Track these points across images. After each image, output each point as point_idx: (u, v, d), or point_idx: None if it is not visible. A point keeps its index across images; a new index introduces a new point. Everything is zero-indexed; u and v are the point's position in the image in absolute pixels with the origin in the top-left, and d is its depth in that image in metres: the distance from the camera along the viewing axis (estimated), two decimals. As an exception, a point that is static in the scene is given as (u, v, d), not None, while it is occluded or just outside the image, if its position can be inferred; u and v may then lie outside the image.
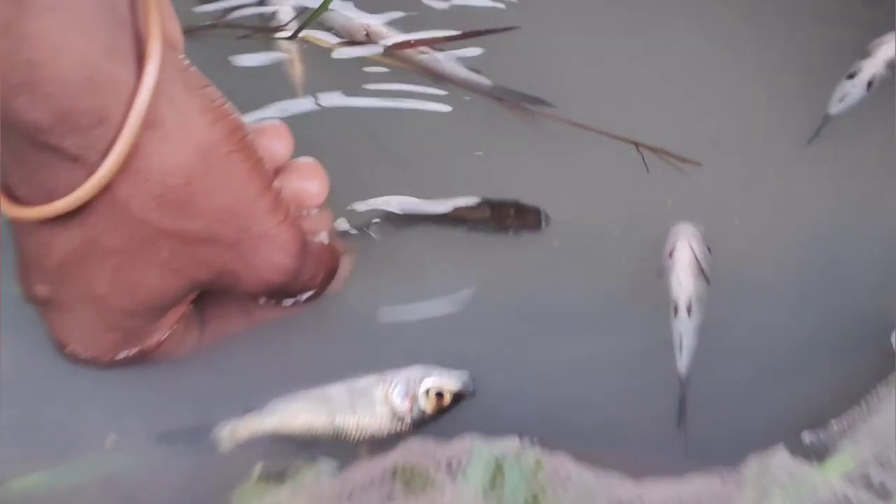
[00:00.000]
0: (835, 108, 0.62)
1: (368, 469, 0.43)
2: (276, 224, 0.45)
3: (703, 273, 0.53)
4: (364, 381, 0.50)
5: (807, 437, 0.46)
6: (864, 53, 0.64)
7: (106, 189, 0.41)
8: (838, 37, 0.65)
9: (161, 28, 0.40)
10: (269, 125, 0.49)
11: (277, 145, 0.49)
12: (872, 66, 0.63)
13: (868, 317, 0.53)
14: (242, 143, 0.44)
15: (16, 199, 0.43)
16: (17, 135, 0.39)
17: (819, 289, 0.56)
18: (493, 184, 0.58)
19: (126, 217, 0.42)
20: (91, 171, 0.40)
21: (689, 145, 0.59)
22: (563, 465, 0.41)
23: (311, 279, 0.49)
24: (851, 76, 0.63)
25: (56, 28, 0.37)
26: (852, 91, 0.62)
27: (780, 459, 0.41)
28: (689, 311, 0.52)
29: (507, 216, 0.57)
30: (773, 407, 0.51)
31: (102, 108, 0.39)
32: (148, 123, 0.40)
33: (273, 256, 0.46)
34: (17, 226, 0.44)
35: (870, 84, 0.62)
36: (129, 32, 0.40)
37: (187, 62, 0.43)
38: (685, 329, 0.51)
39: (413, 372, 0.49)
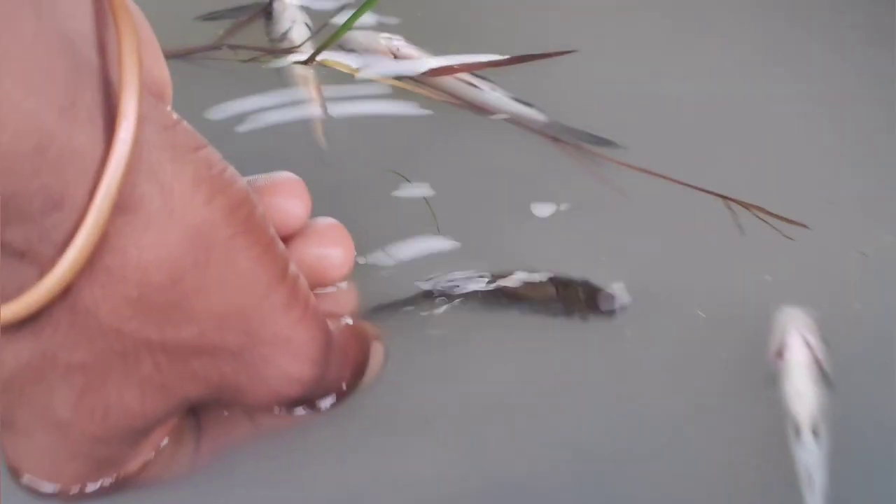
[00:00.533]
0: None
1: None
2: (292, 323, 0.36)
3: (826, 377, 0.43)
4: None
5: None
6: None
7: (66, 292, 0.32)
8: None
9: (140, 73, 0.31)
10: (282, 180, 0.40)
11: (292, 206, 0.40)
12: None
13: None
14: (249, 221, 0.34)
15: None
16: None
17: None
18: (544, 250, 0.49)
19: (93, 327, 0.33)
20: (45, 270, 0.31)
21: (794, 204, 0.49)
22: None
23: (335, 381, 0.40)
24: None
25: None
26: None
27: None
28: (815, 432, 0.41)
29: (576, 299, 0.47)
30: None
31: (58, 188, 0.30)
32: (121, 206, 0.31)
33: (288, 365, 0.37)
34: None
35: None
36: (95, 82, 0.31)
37: (176, 116, 0.33)
38: (813, 459, 0.41)
39: None
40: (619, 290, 0.47)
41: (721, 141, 0.53)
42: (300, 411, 0.41)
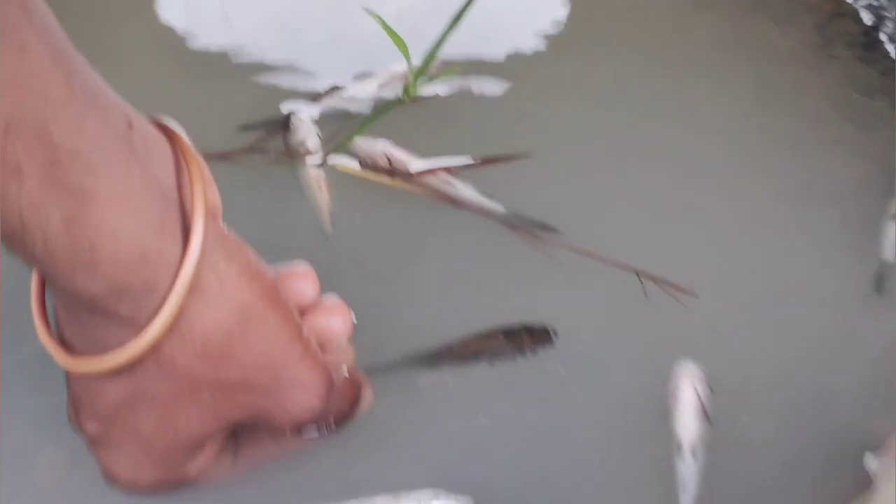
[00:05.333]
0: (890, 253, 0.65)
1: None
2: (305, 369, 0.50)
3: (706, 415, 0.57)
4: (379, 501, 0.54)
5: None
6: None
7: (154, 347, 0.45)
8: (835, 163, 0.70)
9: (205, 203, 0.45)
10: (298, 270, 0.53)
11: (305, 287, 0.53)
12: None
13: (848, 439, 0.57)
14: (276, 300, 0.48)
15: (71, 349, 0.47)
16: (76, 301, 0.44)
17: (808, 412, 0.59)
18: (503, 309, 0.62)
19: (171, 370, 0.46)
20: (140, 331, 0.45)
21: (697, 277, 0.63)
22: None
23: (336, 412, 0.53)
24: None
25: (114, 215, 0.41)
26: None
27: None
28: (693, 454, 0.55)
29: (521, 338, 0.60)
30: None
31: (152, 279, 0.44)
32: (192, 290, 0.44)
33: (303, 398, 0.50)
34: (70, 372, 0.49)
35: None
36: (175, 209, 0.44)
37: (227, 229, 0.48)
38: (689, 473, 0.55)
39: (423, 495, 0.53)
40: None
41: (640, 227, 0.67)
42: (310, 434, 0.55)
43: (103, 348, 0.46)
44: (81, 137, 0.40)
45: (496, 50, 0.77)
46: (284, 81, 0.74)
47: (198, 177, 0.45)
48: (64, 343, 0.48)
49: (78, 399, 0.50)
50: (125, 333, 0.45)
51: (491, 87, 0.75)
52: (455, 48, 0.69)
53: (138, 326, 0.45)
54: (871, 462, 0.53)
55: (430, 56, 0.67)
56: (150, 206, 0.43)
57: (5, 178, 0.38)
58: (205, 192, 0.45)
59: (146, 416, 0.48)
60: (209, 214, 0.45)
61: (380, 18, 0.66)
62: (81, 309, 0.45)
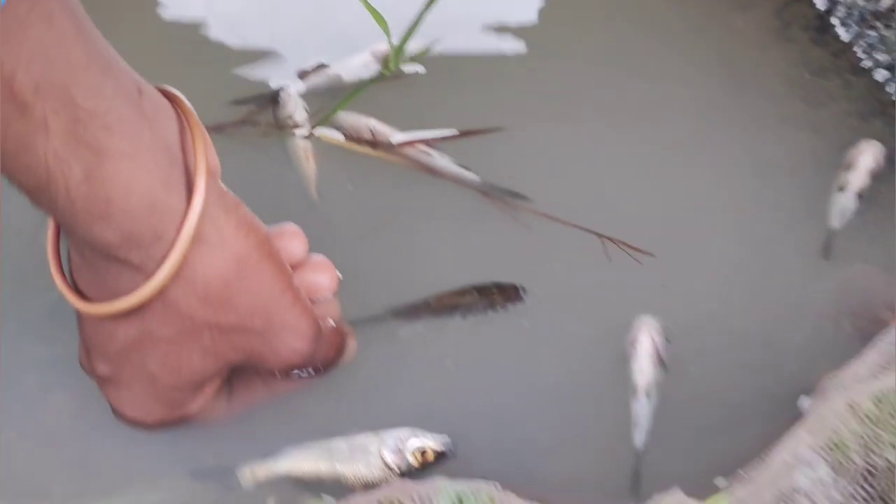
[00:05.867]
0: (836, 221, 0.70)
1: (359, 502, 0.52)
2: (296, 316, 0.55)
3: (662, 362, 0.62)
4: (362, 438, 0.59)
5: (720, 482, 0.55)
6: (847, 165, 0.72)
7: (161, 291, 0.50)
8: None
9: (206, 163, 0.50)
10: (287, 229, 0.58)
11: (295, 246, 0.58)
12: (858, 178, 0.71)
13: (788, 386, 0.63)
14: (269, 251, 0.53)
15: (84, 296, 0.52)
16: (91, 249, 0.49)
17: (755, 363, 0.65)
18: (477, 269, 0.68)
19: (176, 313, 0.52)
20: (149, 277, 0.50)
21: (656, 240, 0.69)
22: (510, 500, 0.51)
23: (323, 357, 0.59)
24: (842, 189, 0.71)
25: (127, 170, 0.47)
26: (848, 204, 0.70)
27: (675, 499, 0.51)
28: (647, 395, 0.61)
29: (493, 295, 0.66)
30: (710, 461, 0.60)
31: (160, 229, 0.49)
32: (195, 240, 0.50)
33: (293, 342, 0.55)
34: (82, 316, 0.54)
35: (859, 196, 0.70)
36: (180, 167, 0.50)
37: (225, 188, 0.53)
38: (643, 411, 0.61)
39: (402, 432, 0.59)
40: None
41: (604, 194, 0.72)
42: (298, 377, 0.60)
43: (115, 293, 0.51)
44: (99, 99, 0.45)
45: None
46: (268, 68, 0.79)
47: (200, 139, 0.50)
48: (78, 289, 0.53)
49: (90, 342, 0.55)
50: (136, 279, 0.50)
51: (510, 44, 0.80)
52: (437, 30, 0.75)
53: (147, 273, 0.50)
54: (805, 403, 0.58)
55: (409, 33, 0.72)
56: (158, 164, 0.48)
57: (35, 132, 0.43)
58: (206, 154, 0.50)
59: (153, 356, 0.53)
60: (210, 173, 0.50)
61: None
62: (97, 257, 0.50)
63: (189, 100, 0.54)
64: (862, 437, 0.43)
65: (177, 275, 0.50)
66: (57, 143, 0.44)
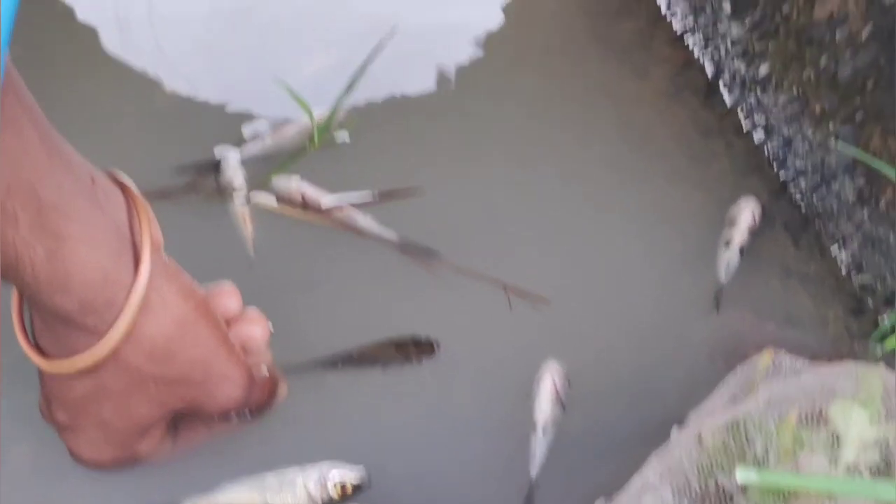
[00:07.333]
0: (724, 275, 0.77)
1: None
2: (231, 367, 0.63)
3: (561, 402, 0.70)
4: (290, 472, 0.67)
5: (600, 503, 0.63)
6: (730, 221, 0.79)
7: (113, 351, 0.58)
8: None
9: (150, 238, 0.58)
10: (224, 288, 0.65)
11: (230, 303, 0.65)
12: (740, 234, 0.79)
13: (667, 419, 0.71)
14: (205, 312, 0.61)
15: (45, 354, 0.60)
16: (53, 316, 0.58)
17: (641, 400, 0.74)
18: (396, 321, 0.76)
19: (126, 368, 0.59)
20: (102, 338, 0.57)
21: (557, 290, 0.77)
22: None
23: (257, 402, 0.67)
24: (727, 244, 0.78)
25: (83, 250, 0.54)
26: (733, 259, 0.78)
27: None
28: (544, 431, 0.69)
29: (409, 349, 0.74)
30: (595, 485, 0.69)
31: (112, 298, 0.56)
32: (141, 306, 0.57)
33: (229, 390, 0.63)
34: (43, 372, 0.62)
35: (741, 251, 0.78)
36: (128, 244, 0.57)
37: (167, 257, 0.61)
38: (539, 446, 0.69)
39: (324, 466, 0.66)
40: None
41: (509, 248, 0.80)
42: (235, 419, 0.68)
43: (73, 352, 0.58)
44: (59, 194, 0.53)
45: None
46: (214, 124, 0.87)
47: (145, 218, 0.58)
48: (40, 349, 0.60)
49: (50, 394, 0.62)
50: (91, 340, 0.58)
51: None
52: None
53: (101, 335, 0.57)
54: (674, 432, 0.67)
55: (332, 114, 0.82)
56: (109, 242, 0.56)
57: (6, 223, 0.51)
58: (150, 231, 0.58)
59: (106, 406, 0.61)
60: (154, 248, 0.58)
61: (288, 87, 0.80)
62: (57, 322, 0.58)
63: (137, 163, 0.62)
64: (698, 464, 0.52)
65: (126, 336, 0.57)
66: (24, 231, 0.52)
